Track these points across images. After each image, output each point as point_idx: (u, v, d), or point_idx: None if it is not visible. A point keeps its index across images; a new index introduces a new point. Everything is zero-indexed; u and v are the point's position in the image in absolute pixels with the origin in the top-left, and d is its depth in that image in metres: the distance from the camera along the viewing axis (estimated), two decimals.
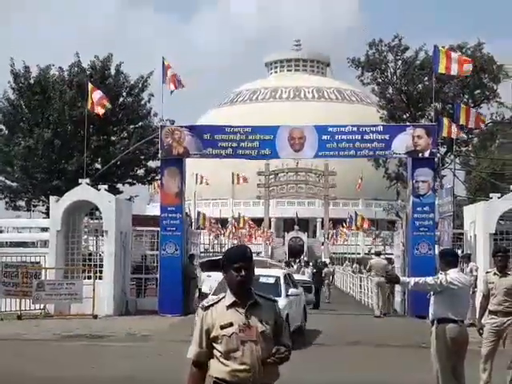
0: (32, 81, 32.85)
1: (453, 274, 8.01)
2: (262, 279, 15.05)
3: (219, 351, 4.18)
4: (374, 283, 23.03)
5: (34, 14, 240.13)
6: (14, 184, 34.12)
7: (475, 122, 24.17)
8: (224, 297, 4.29)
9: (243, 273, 4.21)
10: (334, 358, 13.40)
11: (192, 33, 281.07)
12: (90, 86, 23.16)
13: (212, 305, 4.29)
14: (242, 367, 4.12)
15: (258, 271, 17.77)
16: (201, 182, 64.64)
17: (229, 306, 4.23)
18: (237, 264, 4.23)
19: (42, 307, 19.83)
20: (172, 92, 22.82)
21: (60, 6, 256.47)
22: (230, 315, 4.20)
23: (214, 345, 4.20)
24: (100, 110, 22.74)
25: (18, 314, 19.09)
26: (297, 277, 24.64)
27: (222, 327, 4.17)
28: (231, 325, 4.17)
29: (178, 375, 11.13)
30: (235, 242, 66.02)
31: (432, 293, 8.13)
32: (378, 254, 27.19)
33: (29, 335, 16.12)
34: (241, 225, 69.81)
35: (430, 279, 8.05)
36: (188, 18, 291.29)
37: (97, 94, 22.70)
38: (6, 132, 33.78)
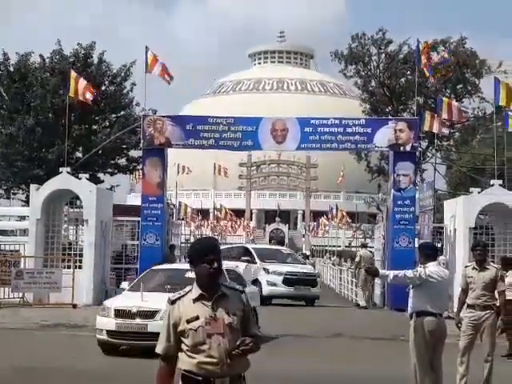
0: (12, 68, 32.53)
1: (432, 268, 8.05)
2: None
3: (186, 345, 4.15)
4: (362, 274, 23.08)
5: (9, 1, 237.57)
6: None
7: (458, 116, 24.28)
8: (191, 290, 4.25)
9: (215, 265, 4.18)
10: (313, 349, 13.43)
11: (174, 23, 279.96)
12: (72, 73, 22.99)
13: (179, 298, 4.24)
14: (209, 360, 4.09)
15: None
16: (182, 172, 64.44)
17: (195, 300, 4.19)
18: (208, 256, 4.19)
19: (20, 296, 19.70)
20: (171, 80, 22.83)
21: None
22: (197, 308, 4.17)
23: (182, 339, 4.17)
24: (89, 96, 22.63)
25: None
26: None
27: (188, 321, 4.14)
28: (197, 318, 4.13)
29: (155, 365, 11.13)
30: (216, 233, 66.01)
31: (411, 286, 8.17)
32: (364, 245, 27.31)
33: (7, 324, 16.02)
34: (222, 216, 69.73)
35: (409, 272, 8.09)
36: (170, 7, 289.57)
37: (82, 83, 22.56)
38: None
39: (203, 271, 4.20)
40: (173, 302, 4.24)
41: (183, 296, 4.24)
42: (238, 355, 4.09)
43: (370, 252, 25.21)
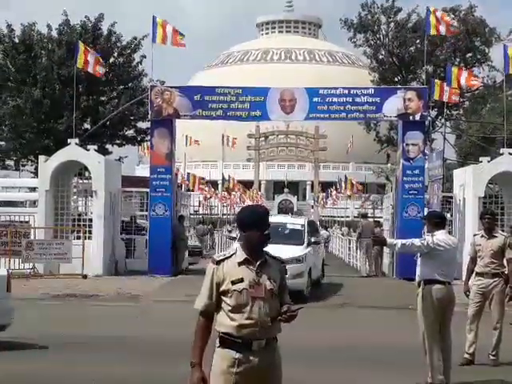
0: (17, 40, 32.42)
1: (440, 236, 8.04)
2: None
3: (228, 305, 4.32)
4: (363, 244, 23.22)
5: None
6: (3, 143, 33.89)
7: (468, 83, 24.11)
8: (235, 253, 4.42)
9: (266, 232, 4.40)
10: (320, 319, 13.50)
11: None
12: (81, 45, 22.90)
13: (223, 259, 4.40)
14: (249, 322, 4.28)
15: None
16: (190, 144, 64.31)
17: (240, 263, 4.36)
18: (260, 224, 4.40)
19: (31, 266, 19.85)
20: (182, 38, 22.65)
21: None
22: (242, 271, 4.34)
23: (224, 298, 4.34)
24: (100, 69, 22.60)
25: None
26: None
27: (233, 282, 4.31)
28: (242, 280, 4.31)
29: (167, 334, 11.23)
30: (225, 203, 66.02)
31: (419, 254, 8.18)
32: (364, 215, 27.29)
33: (17, 294, 16.13)
34: (232, 188, 69.60)
35: (416, 241, 8.08)
36: None
37: (92, 55, 22.48)
38: None
39: (254, 237, 4.38)
40: (218, 263, 4.40)
41: (228, 258, 4.42)
42: (282, 321, 4.32)
43: (376, 222, 25.20)
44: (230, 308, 4.30)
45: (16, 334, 10.27)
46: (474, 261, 9.43)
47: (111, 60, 32.98)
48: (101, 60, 22.76)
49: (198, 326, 4.39)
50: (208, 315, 4.38)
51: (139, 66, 33.92)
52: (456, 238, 12.48)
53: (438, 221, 8.26)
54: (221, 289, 4.34)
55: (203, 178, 56.68)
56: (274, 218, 22.96)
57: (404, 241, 8.16)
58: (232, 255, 4.41)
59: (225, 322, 4.31)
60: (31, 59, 31.84)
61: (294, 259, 15.55)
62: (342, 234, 41.45)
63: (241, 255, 4.38)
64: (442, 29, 21.98)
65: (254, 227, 4.39)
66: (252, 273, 4.34)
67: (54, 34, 32.91)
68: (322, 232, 35.55)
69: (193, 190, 49.06)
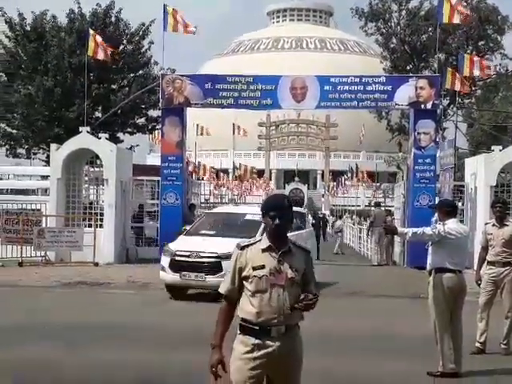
0: (28, 28, 32.45)
1: (451, 225, 8.02)
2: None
3: (249, 290, 4.40)
4: (376, 233, 23.19)
5: None
6: (15, 131, 33.98)
7: (481, 71, 23.94)
8: (260, 240, 4.50)
9: (277, 221, 4.41)
10: (331, 308, 13.49)
11: None
12: (91, 32, 22.91)
13: (248, 245, 4.49)
14: (268, 309, 4.34)
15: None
16: (201, 134, 64.32)
17: (264, 250, 4.44)
18: (272, 212, 4.44)
19: (42, 254, 19.94)
20: (195, 31, 22.75)
21: None
22: (264, 258, 4.41)
23: (245, 283, 4.42)
24: (108, 52, 22.67)
25: (18, 260, 19.22)
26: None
27: (255, 268, 4.38)
28: (263, 267, 4.38)
29: (180, 321, 11.25)
30: (236, 193, 66.06)
31: (430, 243, 8.16)
32: (377, 204, 27.28)
33: (29, 282, 16.25)
34: (244, 175, 69.49)
35: (428, 229, 8.07)
36: None
37: (98, 39, 22.53)
38: (6, 79, 33.53)
39: (267, 224, 4.48)
40: (242, 248, 4.49)
41: (252, 244, 4.51)
42: (299, 309, 4.37)
43: (387, 211, 25.16)
44: (250, 293, 4.39)
45: (26, 321, 10.33)
46: (485, 249, 9.40)
47: (121, 47, 32.98)
48: (106, 45, 22.82)
49: (221, 310, 4.48)
50: (231, 300, 4.48)
51: (147, 53, 33.95)
52: (467, 226, 12.42)
53: (449, 209, 8.24)
54: (243, 274, 4.42)
55: (213, 168, 56.70)
56: (227, 209, 21.24)
57: (415, 229, 8.14)
58: (257, 242, 4.50)
59: (245, 308, 4.39)
60: (42, 47, 31.88)
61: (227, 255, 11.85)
62: (353, 224, 41.45)
63: (265, 242, 4.46)
64: (456, 17, 21.79)
65: (267, 215, 4.47)
66: (274, 260, 4.40)
67: (65, 21, 32.93)
68: (338, 222, 35.57)
69: (203, 179, 49.12)
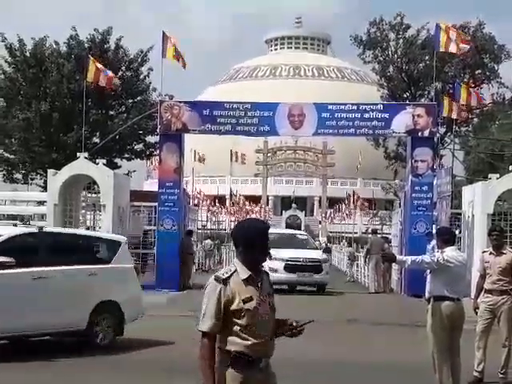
0: (28, 54, 32.63)
1: (449, 252, 8.01)
2: None
3: (240, 324, 4.16)
4: (372, 260, 23.14)
5: None
6: (12, 156, 34.01)
7: (476, 101, 24.09)
8: (236, 270, 4.23)
9: (267, 249, 4.30)
10: (328, 335, 13.42)
11: (188, 7, 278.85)
12: (91, 59, 23.03)
13: (228, 278, 4.20)
14: (261, 340, 4.18)
15: None
16: (199, 160, 64.45)
17: (246, 281, 4.20)
18: (263, 240, 4.28)
19: None
20: (185, 66, 23.01)
21: None
22: (249, 289, 4.19)
23: (234, 319, 4.16)
24: (116, 81, 22.75)
25: None
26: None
27: (244, 301, 4.16)
28: (251, 299, 4.17)
29: (176, 350, 11.17)
30: (233, 218, 66.03)
31: (429, 271, 8.14)
32: (374, 231, 27.28)
33: None
34: (238, 202, 69.69)
35: (426, 257, 8.08)
36: None
37: (103, 70, 22.61)
38: (4, 104, 33.61)
39: (258, 254, 4.27)
40: (224, 282, 4.18)
41: (231, 276, 4.21)
42: (291, 336, 4.28)
43: (384, 238, 25.16)
44: (241, 328, 4.16)
45: None
46: (483, 277, 9.37)
47: (119, 74, 33.13)
48: (110, 73, 22.88)
49: (206, 348, 4.16)
50: (213, 336, 4.18)
51: (146, 79, 34.12)
52: (465, 254, 12.41)
53: (447, 237, 8.24)
54: (231, 308, 4.16)
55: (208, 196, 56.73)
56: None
57: (414, 257, 8.13)
58: (234, 272, 4.21)
59: (237, 341, 4.16)
60: (41, 73, 32.02)
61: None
62: (349, 258, 40.02)
63: (244, 272, 4.21)
64: (452, 47, 21.93)
65: (258, 242, 4.25)
66: (257, 290, 4.22)
67: (64, 47, 33.12)
68: (349, 249, 35.14)
69: (198, 205, 49.12)
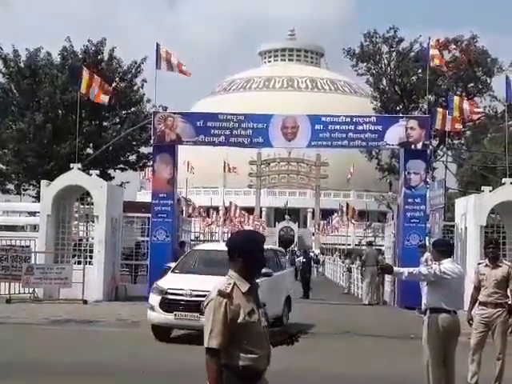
0: (22, 64, 32.64)
1: (446, 264, 8.01)
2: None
3: (246, 338, 4.10)
4: (368, 272, 23.12)
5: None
6: (5, 167, 33.94)
7: (470, 113, 24.18)
8: (235, 283, 4.18)
9: (265, 261, 4.35)
10: (321, 347, 13.40)
11: (182, 19, 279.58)
12: (85, 71, 22.98)
13: (231, 292, 4.14)
14: (263, 352, 4.16)
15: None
16: (192, 171, 64.41)
17: (247, 293, 4.17)
18: (263, 251, 4.31)
19: (31, 291, 19.76)
20: (188, 74, 23.09)
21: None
22: (250, 302, 4.17)
23: (240, 333, 4.10)
24: (104, 98, 22.66)
25: (7, 297, 19.01)
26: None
27: (250, 314, 4.12)
28: (254, 312, 4.15)
29: (168, 361, 11.13)
30: (226, 230, 65.93)
31: (425, 283, 8.13)
32: (369, 243, 27.30)
33: (17, 319, 16.06)
34: (232, 214, 69.60)
35: (423, 269, 8.09)
36: (177, 3, 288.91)
37: (97, 81, 22.48)
38: None
39: (259, 265, 4.30)
40: (229, 296, 4.12)
41: (232, 289, 4.16)
42: (291, 344, 4.37)
43: (379, 250, 25.18)
44: (247, 341, 4.09)
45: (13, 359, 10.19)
46: (477, 290, 9.38)
47: (113, 85, 33.11)
48: (106, 86, 22.81)
49: (216, 365, 4.05)
50: (220, 354, 4.08)
51: (140, 91, 34.14)
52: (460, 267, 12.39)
53: (444, 249, 8.23)
54: (238, 322, 4.09)
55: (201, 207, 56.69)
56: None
57: (411, 269, 8.14)
58: (234, 285, 4.16)
59: (244, 356, 4.09)
60: (35, 84, 32.02)
61: None
62: (348, 270, 39.85)
63: (244, 284, 4.18)
64: (443, 62, 22.04)
65: (258, 254, 4.26)
66: (254, 302, 4.20)
67: (58, 59, 33.14)
68: (346, 261, 34.83)
69: (190, 216, 49.01)
